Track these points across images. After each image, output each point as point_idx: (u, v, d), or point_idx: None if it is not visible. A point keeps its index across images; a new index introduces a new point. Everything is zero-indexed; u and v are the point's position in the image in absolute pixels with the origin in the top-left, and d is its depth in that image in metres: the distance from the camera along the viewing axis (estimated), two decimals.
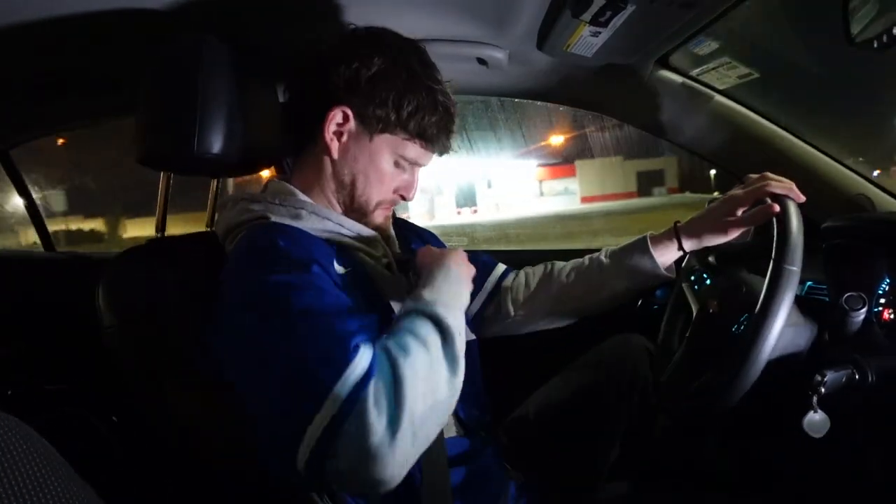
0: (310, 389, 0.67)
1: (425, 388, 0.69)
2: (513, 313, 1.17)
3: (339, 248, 0.90)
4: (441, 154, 0.98)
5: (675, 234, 1.04)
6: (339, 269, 0.86)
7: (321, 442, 0.65)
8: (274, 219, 0.88)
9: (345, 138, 0.92)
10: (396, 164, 0.94)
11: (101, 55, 1.17)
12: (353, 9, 1.04)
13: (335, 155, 0.93)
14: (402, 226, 1.15)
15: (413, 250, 1.05)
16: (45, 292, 1.80)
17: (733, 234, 0.99)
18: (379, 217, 0.97)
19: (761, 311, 0.75)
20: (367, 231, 0.96)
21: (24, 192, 1.93)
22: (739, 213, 0.96)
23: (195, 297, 0.90)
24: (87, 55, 1.16)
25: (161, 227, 1.09)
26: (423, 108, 0.90)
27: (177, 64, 0.94)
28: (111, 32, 1.04)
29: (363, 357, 0.68)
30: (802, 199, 0.89)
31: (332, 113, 0.91)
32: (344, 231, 0.92)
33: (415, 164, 0.96)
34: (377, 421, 0.64)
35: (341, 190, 0.95)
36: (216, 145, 0.93)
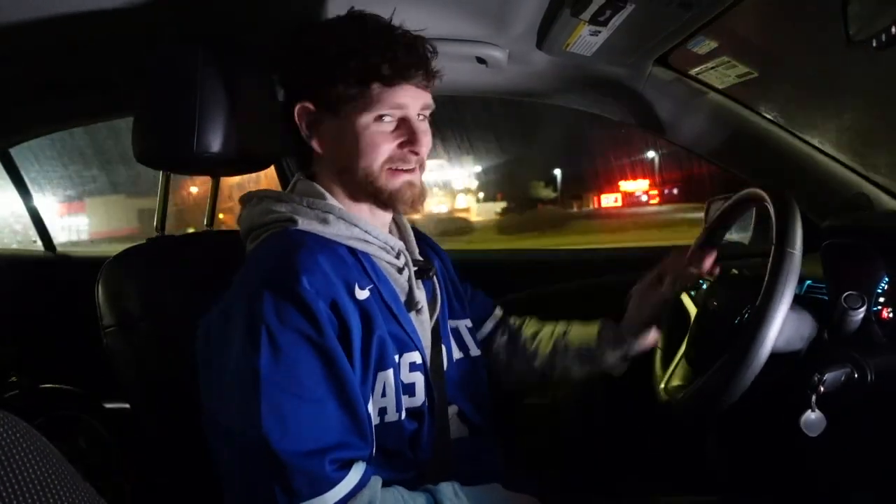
0: (271, 487, 0.70)
1: None
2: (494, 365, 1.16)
3: (363, 256, 0.88)
4: (423, 80, 0.88)
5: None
6: (360, 294, 0.83)
7: None
8: (302, 223, 0.84)
9: (320, 129, 0.89)
10: (378, 120, 0.86)
11: (101, 55, 1.17)
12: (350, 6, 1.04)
13: (320, 149, 0.90)
14: (420, 237, 1.10)
15: (429, 260, 1.02)
16: (45, 292, 1.80)
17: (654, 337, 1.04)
18: (393, 182, 0.88)
19: (765, 294, 0.75)
20: (392, 240, 0.91)
21: (23, 191, 1.93)
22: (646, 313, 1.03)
23: (194, 295, 0.90)
24: (88, 55, 1.16)
25: (160, 226, 1.09)
26: (351, 55, 0.83)
27: (176, 63, 0.94)
28: (111, 32, 1.04)
29: (341, 488, 0.71)
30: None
31: (297, 111, 0.88)
32: (370, 239, 0.88)
33: (394, 108, 0.86)
34: None
35: (347, 176, 0.89)
36: (215, 144, 0.93)
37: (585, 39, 1.08)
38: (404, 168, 0.89)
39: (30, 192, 1.95)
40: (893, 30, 0.70)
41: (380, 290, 0.86)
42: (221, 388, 0.77)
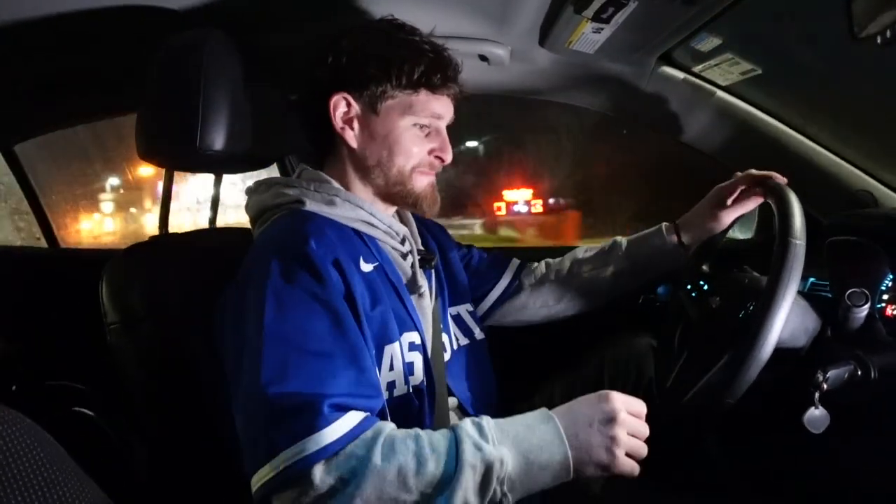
0: (269, 433, 0.67)
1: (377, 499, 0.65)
2: (530, 300, 1.20)
3: (368, 239, 0.91)
4: (455, 94, 0.96)
5: (675, 229, 1.09)
6: (365, 266, 0.86)
7: (266, 486, 0.66)
8: (309, 205, 0.88)
9: (355, 123, 0.92)
10: (415, 126, 0.93)
11: (105, 52, 1.17)
12: (354, 5, 1.04)
13: (353, 142, 0.93)
14: (421, 222, 1.14)
15: (430, 249, 1.07)
16: (49, 289, 1.80)
17: (727, 221, 1.05)
18: (420, 183, 0.95)
19: (771, 284, 0.75)
20: (397, 225, 0.96)
21: (27, 188, 1.94)
22: (729, 201, 1.03)
23: (197, 293, 0.90)
24: (91, 52, 1.16)
25: (163, 223, 1.09)
26: (408, 60, 0.90)
27: (180, 60, 0.94)
28: (115, 29, 1.04)
29: (336, 428, 0.67)
30: (784, 181, 0.93)
31: (333, 102, 0.91)
32: (374, 222, 0.92)
33: (432, 117, 0.94)
34: (316, 490, 0.64)
35: (372, 172, 0.94)
36: (219, 141, 0.93)
37: (588, 37, 1.08)
38: (429, 172, 0.96)
39: (34, 190, 1.96)
40: None
41: (385, 269, 0.89)
42: (235, 354, 0.77)
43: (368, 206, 0.92)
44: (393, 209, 1.01)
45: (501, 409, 1.10)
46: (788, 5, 0.97)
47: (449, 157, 0.96)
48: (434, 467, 0.66)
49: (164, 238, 1.07)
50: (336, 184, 0.93)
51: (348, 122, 0.92)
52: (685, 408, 0.87)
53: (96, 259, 0.97)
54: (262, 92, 1.03)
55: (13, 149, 1.82)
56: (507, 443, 0.69)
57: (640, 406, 0.75)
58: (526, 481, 0.69)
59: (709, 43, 1.13)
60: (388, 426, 0.71)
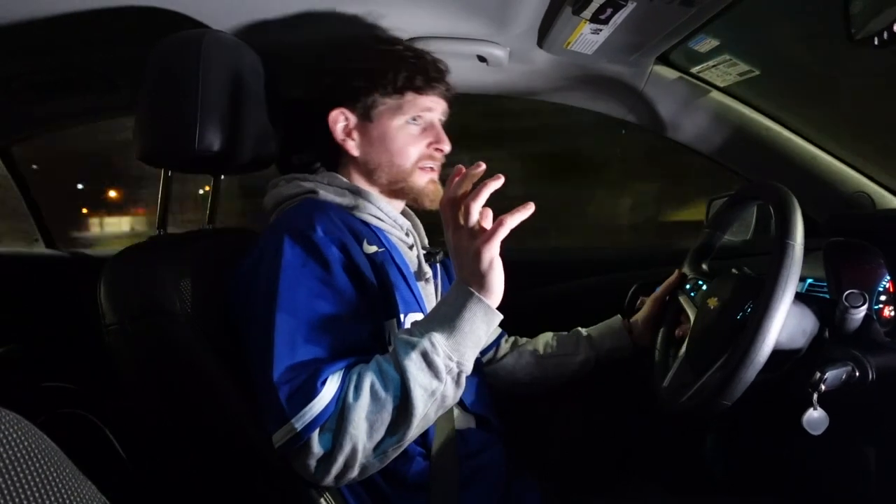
0: (278, 407, 0.76)
1: (367, 430, 0.75)
2: (501, 370, 1.22)
3: (376, 230, 0.98)
4: (445, 91, 1.02)
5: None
6: (368, 248, 0.92)
7: (284, 447, 0.76)
8: (322, 195, 0.96)
9: (354, 133, 1.01)
10: (408, 124, 1.00)
11: (103, 52, 1.17)
12: (353, 6, 1.04)
13: (355, 151, 1.01)
14: None
15: (440, 243, 1.08)
16: (46, 290, 1.80)
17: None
18: (421, 179, 1.02)
19: (769, 286, 0.75)
20: (401, 219, 1.03)
21: (24, 189, 1.94)
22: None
23: (195, 293, 0.90)
24: (89, 52, 1.16)
25: (161, 224, 1.09)
26: (390, 69, 0.98)
27: (178, 60, 0.94)
28: (113, 29, 1.04)
29: (324, 396, 0.76)
30: None
31: (332, 118, 1.00)
32: (381, 215, 0.99)
33: (423, 111, 1.00)
34: (316, 455, 0.75)
35: (376, 174, 1.01)
36: (217, 142, 0.93)
37: (586, 38, 1.08)
38: (431, 166, 1.03)
39: (31, 191, 1.95)
40: (895, 28, 0.70)
41: (391, 255, 0.95)
42: (251, 328, 0.85)
43: (375, 201, 0.99)
44: (401, 205, 1.08)
45: (503, 410, 1.10)
46: (786, 7, 0.97)
47: (447, 147, 1.02)
48: (393, 373, 0.76)
49: (162, 238, 1.06)
50: (347, 181, 1.01)
51: (348, 133, 1.01)
52: (683, 408, 0.88)
53: (94, 260, 0.96)
54: (261, 92, 1.04)
55: (10, 150, 1.81)
56: (430, 326, 0.78)
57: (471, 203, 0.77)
58: (464, 340, 0.77)
59: (707, 44, 1.13)
60: (357, 367, 0.79)
